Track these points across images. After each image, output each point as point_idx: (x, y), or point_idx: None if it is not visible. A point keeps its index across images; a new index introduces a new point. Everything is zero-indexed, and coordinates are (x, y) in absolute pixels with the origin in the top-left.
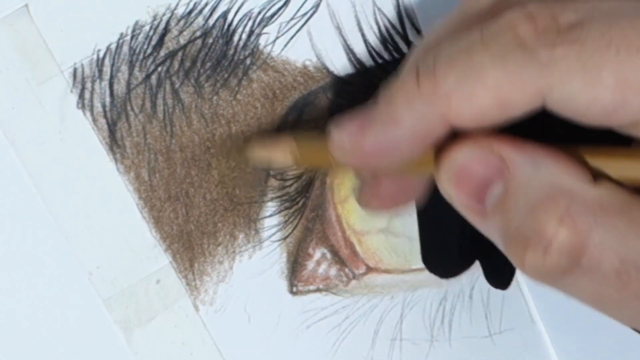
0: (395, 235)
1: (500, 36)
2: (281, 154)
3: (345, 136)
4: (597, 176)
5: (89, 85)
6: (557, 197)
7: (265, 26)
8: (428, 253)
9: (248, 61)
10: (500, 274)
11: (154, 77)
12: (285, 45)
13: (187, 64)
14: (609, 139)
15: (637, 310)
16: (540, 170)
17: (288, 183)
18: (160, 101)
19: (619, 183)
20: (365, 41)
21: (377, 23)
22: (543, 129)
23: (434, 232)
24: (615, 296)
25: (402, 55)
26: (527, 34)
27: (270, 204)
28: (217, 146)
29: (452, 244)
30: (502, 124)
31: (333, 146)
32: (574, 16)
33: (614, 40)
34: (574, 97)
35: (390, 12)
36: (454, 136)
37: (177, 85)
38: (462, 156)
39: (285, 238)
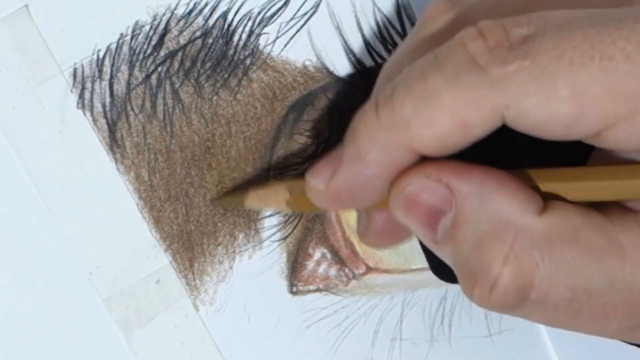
0: None
1: (452, 57)
2: (275, 204)
3: (318, 181)
4: (548, 199)
5: (89, 85)
6: (501, 233)
7: (265, 26)
8: (434, 263)
9: (248, 61)
10: None
11: (154, 77)
12: (285, 45)
13: (187, 64)
14: (575, 148)
15: (593, 331)
16: (486, 203)
17: None
18: (160, 101)
19: (572, 203)
20: (365, 41)
21: (377, 23)
22: (508, 144)
23: None
24: (569, 321)
25: None
26: (479, 52)
27: None
28: (215, 196)
29: None
30: (467, 144)
31: (309, 193)
32: (526, 30)
33: (566, 51)
34: (531, 113)
35: (390, 12)
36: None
37: (177, 85)
38: (411, 186)
39: (285, 238)
